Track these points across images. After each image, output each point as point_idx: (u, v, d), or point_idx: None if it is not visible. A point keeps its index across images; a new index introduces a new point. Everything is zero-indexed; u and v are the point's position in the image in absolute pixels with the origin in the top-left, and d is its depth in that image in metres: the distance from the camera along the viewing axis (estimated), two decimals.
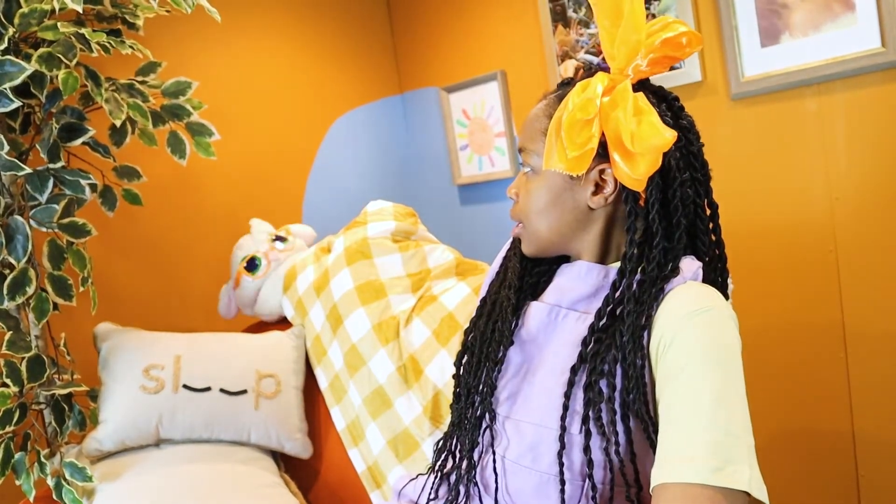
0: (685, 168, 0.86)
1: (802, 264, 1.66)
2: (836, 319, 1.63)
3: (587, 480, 0.79)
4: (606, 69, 0.87)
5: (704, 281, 0.88)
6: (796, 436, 1.74)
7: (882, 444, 1.61)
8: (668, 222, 0.85)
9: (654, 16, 1.79)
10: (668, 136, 0.76)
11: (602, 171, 0.85)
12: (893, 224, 1.53)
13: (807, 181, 1.63)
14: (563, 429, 0.81)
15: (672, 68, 1.78)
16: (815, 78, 1.57)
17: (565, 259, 0.95)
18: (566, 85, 0.91)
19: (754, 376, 1.69)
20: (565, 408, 0.81)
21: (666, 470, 0.70)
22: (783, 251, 1.69)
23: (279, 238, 1.77)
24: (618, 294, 0.83)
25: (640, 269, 0.83)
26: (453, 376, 1.01)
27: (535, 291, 0.97)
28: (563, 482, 0.80)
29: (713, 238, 0.91)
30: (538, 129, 0.88)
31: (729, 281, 1.14)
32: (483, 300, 1.03)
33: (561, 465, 0.80)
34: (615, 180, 0.84)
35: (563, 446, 0.80)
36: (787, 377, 1.72)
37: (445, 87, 2.36)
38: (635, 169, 0.79)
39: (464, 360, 0.99)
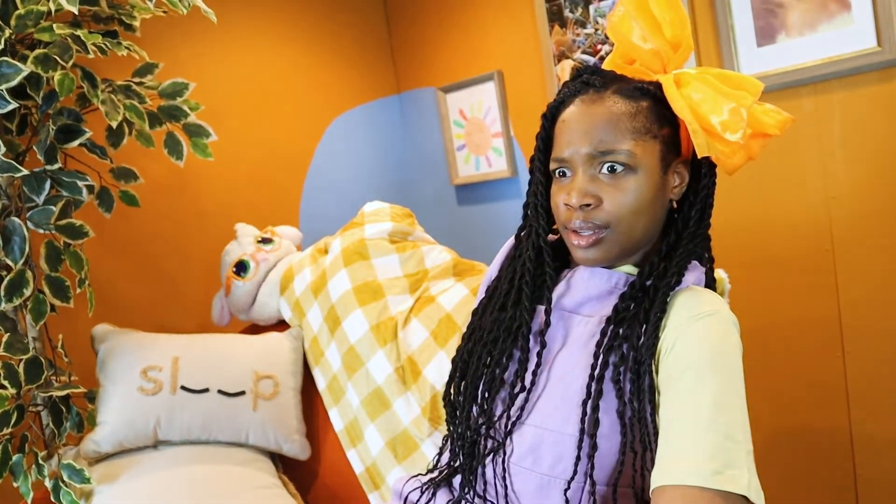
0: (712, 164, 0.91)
1: (799, 263, 1.67)
2: (833, 318, 1.64)
3: (589, 462, 0.80)
4: (600, 69, 0.91)
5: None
6: (794, 434, 1.74)
7: (879, 441, 1.61)
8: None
9: None
10: (789, 115, 0.89)
11: (678, 164, 0.88)
12: (890, 222, 1.54)
13: (803, 180, 1.64)
14: (584, 421, 0.81)
15: None
16: (812, 77, 1.57)
17: (566, 264, 0.95)
18: (607, 83, 0.88)
19: (751, 375, 1.69)
20: (588, 398, 0.81)
21: (666, 472, 0.70)
22: (780, 250, 1.69)
23: (265, 240, 1.77)
24: (650, 282, 0.85)
25: (671, 263, 0.85)
26: (445, 401, 0.99)
27: (540, 296, 0.96)
28: (574, 475, 0.81)
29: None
30: (625, 129, 0.84)
31: (726, 280, 1.14)
32: (478, 316, 1.00)
33: (579, 453, 0.81)
34: (687, 170, 0.89)
35: (580, 442, 0.81)
36: (785, 375, 1.73)
37: (442, 87, 2.36)
38: (753, 150, 0.89)
39: (458, 379, 0.97)
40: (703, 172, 0.88)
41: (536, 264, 0.93)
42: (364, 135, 2.46)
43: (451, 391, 0.98)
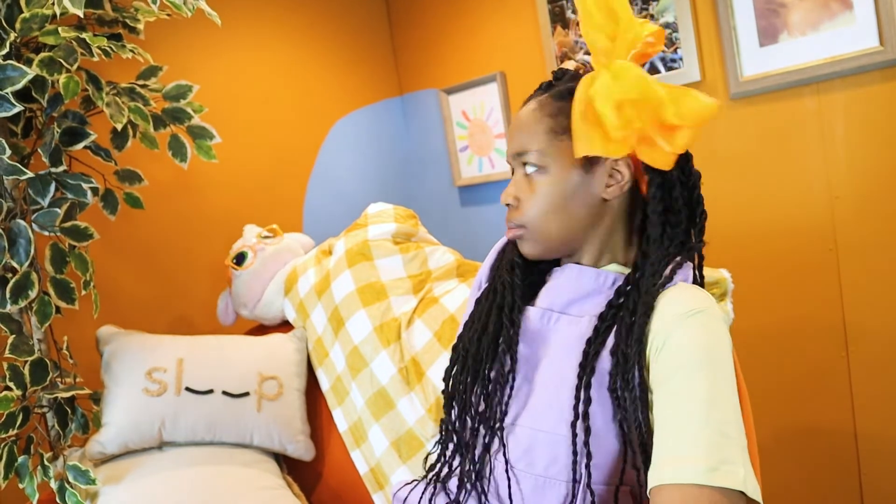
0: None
1: (803, 263, 1.67)
2: (836, 318, 1.63)
3: (585, 448, 0.79)
4: (568, 71, 0.93)
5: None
6: (798, 435, 1.74)
7: (884, 441, 1.61)
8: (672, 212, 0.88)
9: (652, 16, 1.80)
10: (713, 103, 0.81)
11: (615, 162, 0.87)
12: (893, 222, 1.54)
13: (807, 180, 1.64)
14: (577, 407, 0.81)
15: (670, 68, 1.78)
16: (814, 77, 1.57)
17: (556, 263, 0.96)
18: (551, 86, 0.92)
19: (755, 375, 1.69)
20: (578, 397, 0.81)
21: (663, 471, 0.71)
22: (783, 250, 1.69)
23: (267, 236, 1.80)
24: (631, 286, 0.85)
25: (660, 257, 0.85)
26: (443, 391, 0.99)
27: (530, 297, 0.97)
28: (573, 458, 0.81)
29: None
30: (541, 129, 0.88)
31: (729, 279, 1.14)
32: (472, 317, 1.00)
33: (574, 452, 0.80)
34: (629, 169, 0.86)
35: (574, 437, 0.80)
36: (789, 376, 1.73)
37: (445, 88, 2.37)
38: (675, 143, 0.82)
39: (454, 373, 0.97)
40: (683, 166, 0.89)
41: (524, 272, 0.96)
42: (367, 136, 2.47)
43: (453, 377, 0.98)
